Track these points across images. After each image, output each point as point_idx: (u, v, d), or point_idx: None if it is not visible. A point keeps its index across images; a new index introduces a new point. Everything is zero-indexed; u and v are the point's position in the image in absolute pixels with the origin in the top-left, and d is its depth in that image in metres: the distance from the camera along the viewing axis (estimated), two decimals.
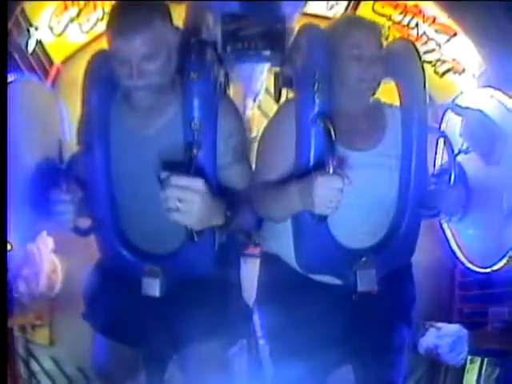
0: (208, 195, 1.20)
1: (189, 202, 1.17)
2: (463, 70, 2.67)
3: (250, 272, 1.67)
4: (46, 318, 2.74)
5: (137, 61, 1.31)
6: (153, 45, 1.31)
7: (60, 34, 2.89)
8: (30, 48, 2.70)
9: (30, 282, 2.55)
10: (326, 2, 2.82)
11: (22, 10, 2.60)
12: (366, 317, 1.51)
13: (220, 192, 1.33)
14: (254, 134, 2.32)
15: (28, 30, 2.67)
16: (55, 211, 1.35)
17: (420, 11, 2.70)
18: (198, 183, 1.19)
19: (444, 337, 2.55)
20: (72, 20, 2.89)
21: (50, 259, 2.66)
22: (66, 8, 2.85)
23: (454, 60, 2.69)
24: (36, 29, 2.72)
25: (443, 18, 2.63)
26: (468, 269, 2.12)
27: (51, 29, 2.84)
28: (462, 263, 2.11)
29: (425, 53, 2.64)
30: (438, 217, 1.62)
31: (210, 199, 1.22)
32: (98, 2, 2.84)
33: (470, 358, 2.56)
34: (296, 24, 1.99)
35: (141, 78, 1.32)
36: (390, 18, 2.73)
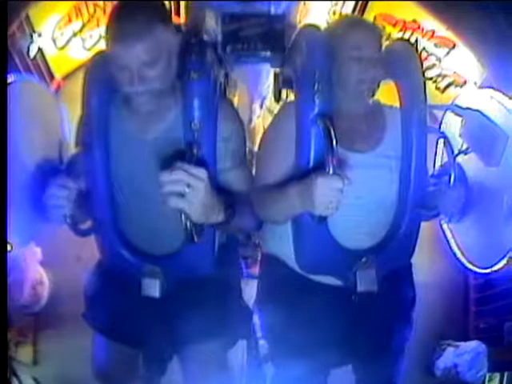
0: (210, 187, 1.19)
1: (194, 189, 1.15)
2: (464, 82, 2.66)
3: (252, 295, 1.67)
4: (30, 334, 2.62)
5: (137, 67, 1.28)
6: (153, 51, 1.28)
7: (62, 48, 2.89)
8: (32, 54, 2.70)
9: (13, 290, 2.41)
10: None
11: (26, 16, 2.60)
12: (366, 317, 1.51)
13: (220, 192, 1.33)
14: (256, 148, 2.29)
15: (31, 35, 2.67)
16: (50, 205, 1.33)
17: (419, 26, 2.69)
18: (203, 171, 1.17)
19: (463, 354, 2.48)
20: (75, 34, 2.90)
21: (36, 269, 2.56)
22: (69, 21, 2.85)
23: (454, 73, 2.69)
24: (39, 35, 2.73)
25: (442, 30, 2.63)
26: (481, 280, 2.07)
27: (54, 41, 2.84)
28: (462, 264, 2.11)
29: (425, 69, 2.63)
30: (437, 217, 1.62)
31: (211, 193, 1.21)
32: (101, 19, 2.84)
33: (488, 375, 2.48)
34: (295, 24, 2.00)
35: (141, 83, 1.30)
36: (389, 36, 2.71)
